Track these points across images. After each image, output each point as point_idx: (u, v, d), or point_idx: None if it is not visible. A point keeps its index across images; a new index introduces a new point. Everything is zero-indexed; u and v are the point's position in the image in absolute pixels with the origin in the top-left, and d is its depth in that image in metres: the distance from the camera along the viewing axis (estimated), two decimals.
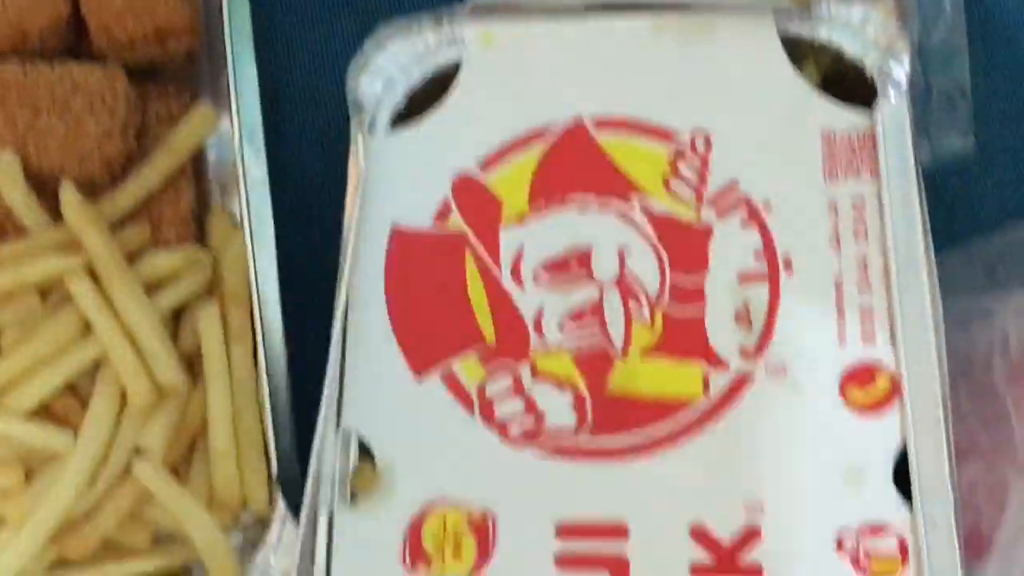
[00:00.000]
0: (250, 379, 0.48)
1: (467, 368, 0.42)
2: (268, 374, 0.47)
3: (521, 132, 0.44)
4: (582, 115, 0.44)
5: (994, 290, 0.41)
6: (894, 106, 0.41)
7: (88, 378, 0.48)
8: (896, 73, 0.41)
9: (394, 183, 0.44)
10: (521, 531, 0.39)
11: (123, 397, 0.47)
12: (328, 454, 0.41)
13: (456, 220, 0.44)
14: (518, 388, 0.41)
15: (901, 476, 0.37)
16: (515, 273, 0.43)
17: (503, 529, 0.39)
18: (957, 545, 0.36)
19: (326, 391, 0.42)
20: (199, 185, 0.53)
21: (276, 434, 0.47)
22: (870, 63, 0.43)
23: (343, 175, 0.46)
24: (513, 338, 0.42)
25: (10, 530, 0.45)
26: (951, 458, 0.37)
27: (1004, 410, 0.38)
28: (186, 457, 0.48)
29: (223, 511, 0.47)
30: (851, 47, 0.43)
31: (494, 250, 0.43)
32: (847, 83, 0.43)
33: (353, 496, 0.41)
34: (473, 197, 0.44)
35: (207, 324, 0.48)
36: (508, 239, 0.43)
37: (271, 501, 0.47)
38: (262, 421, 0.48)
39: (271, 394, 0.47)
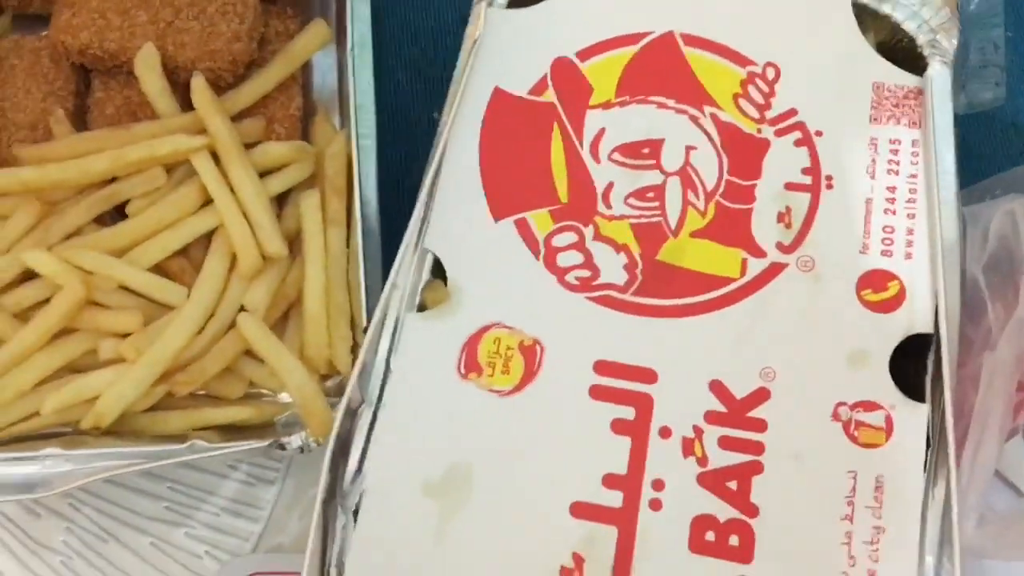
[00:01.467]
0: (342, 258, 0.53)
1: (539, 219, 0.48)
2: (364, 252, 0.52)
3: (619, 32, 0.50)
4: (674, 29, 0.50)
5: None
6: (940, 74, 0.48)
7: (199, 247, 0.53)
8: (944, 48, 0.49)
9: (502, 53, 0.50)
10: (564, 361, 0.45)
11: (232, 262, 0.52)
12: (406, 266, 0.47)
13: (550, 94, 0.50)
14: (580, 244, 0.47)
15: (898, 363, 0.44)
16: (594, 149, 0.49)
17: (549, 357, 0.45)
18: (951, 428, 0.42)
19: (414, 214, 0.47)
20: (306, 98, 0.59)
21: (367, 302, 0.51)
22: (922, 39, 0.50)
23: (433, 98, 0.51)
24: (583, 202, 0.48)
25: (127, 365, 0.50)
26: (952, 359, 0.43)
27: (982, 298, 0.45)
28: (281, 322, 0.53)
29: (312, 371, 0.51)
30: (908, 23, 0.50)
31: (579, 126, 0.49)
32: (896, 52, 0.51)
33: (422, 308, 0.47)
34: (568, 78, 0.50)
35: (308, 207, 0.53)
36: (592, 120, 0.49)
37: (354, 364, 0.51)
38: (351, 296, 0.52)
39: (366, 272, 0.52)
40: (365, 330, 0.49)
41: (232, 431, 0.50)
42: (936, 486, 0.42)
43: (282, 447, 0.48)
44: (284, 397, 0.52)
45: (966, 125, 0.46)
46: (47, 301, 0.49)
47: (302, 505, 0.55)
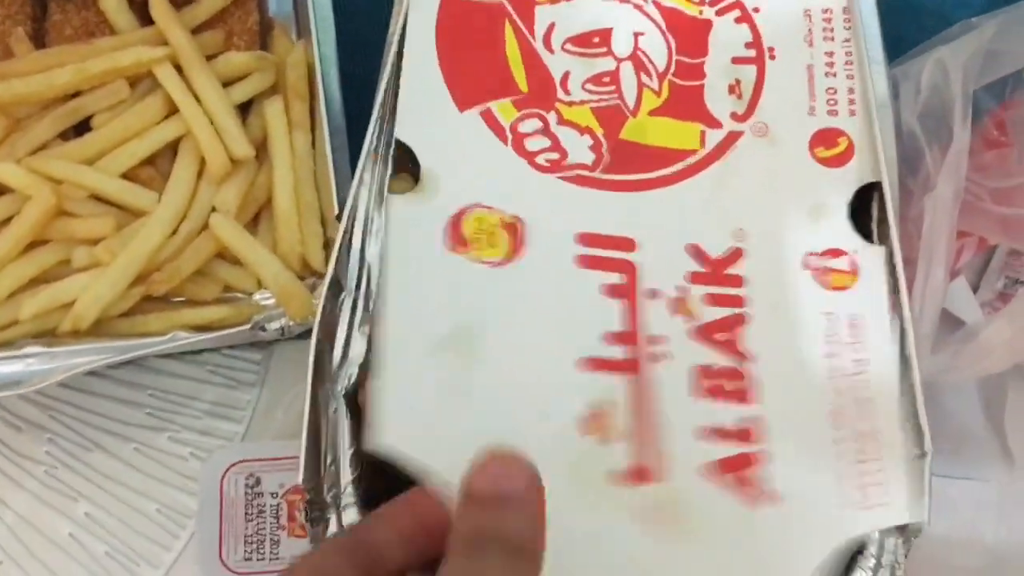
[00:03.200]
0: (309, 159, 0.53)
1: (503, 109, 0.48)
2: (331, 149, 0.52)
3: None
4: None
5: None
6: None
7: (166, 159, 0.53)
8: None
9: None
10: (546, 235, 0.46)
11: (201, 167, 0.51)
12: (371, 162, 0.46)
13: None
14: (545, 129, 0.48)
15: (854, 213, 0.47)
16: (546, 42, 0.50)
17: (531, 232, 0.46)
18: (900, 263, 0.45)
19: (373, 114, 0.47)
20: (262, 16, 0.58)
21: (339, 196, 0.51)
22: None
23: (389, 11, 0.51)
24: (543, 91, 0.49)
25: (102, 268, 0.49)
26: (894, 198, 0.46)
27: (919, 146, 0.48)
28: (252, 226, 0.53)
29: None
30: None
31: (529, 22, 0.50)
32: None
33: None
34: None
35: (272, 113, 0.53)
36: (541, 15, 0.51)
37: (327, 260, 0.51)
38: (321, 193, 0.52)
39: (335, 167, 0.52)
40: (338, 217, 0.48)
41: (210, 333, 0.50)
42: (893, 319, 0.45)
43: (263, 329, 0.47)
44: (259, 298, 0.51)
45: (896, 17, 0.50)
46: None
47: (283, 404, 0.55)
